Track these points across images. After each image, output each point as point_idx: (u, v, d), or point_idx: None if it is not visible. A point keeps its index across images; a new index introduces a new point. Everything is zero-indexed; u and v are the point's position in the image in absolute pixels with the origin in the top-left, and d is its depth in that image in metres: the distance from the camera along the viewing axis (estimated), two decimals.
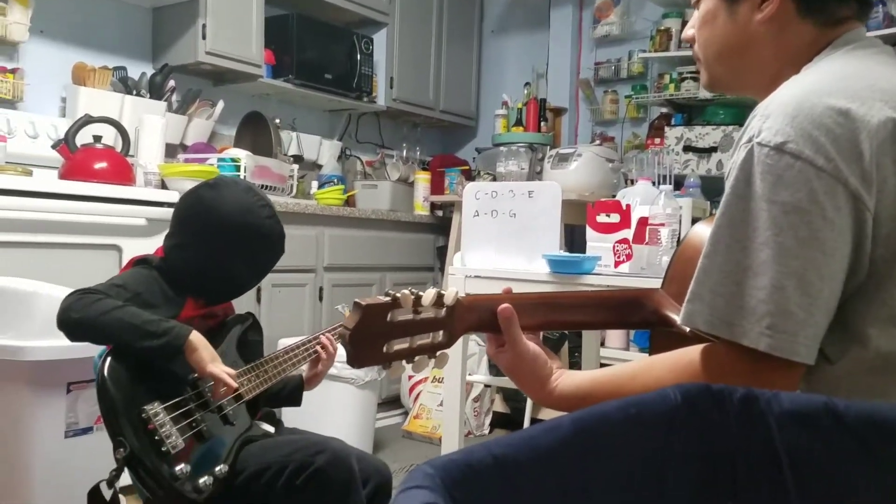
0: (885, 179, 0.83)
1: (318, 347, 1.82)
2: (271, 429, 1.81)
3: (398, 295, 0.84)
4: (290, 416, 2.32)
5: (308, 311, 3.45)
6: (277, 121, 3.79)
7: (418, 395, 3.68)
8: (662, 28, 3.84)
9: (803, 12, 0.97)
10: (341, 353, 1.03)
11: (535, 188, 2.08)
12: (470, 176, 4.21)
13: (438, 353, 0.90)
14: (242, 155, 3.28)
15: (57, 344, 1.90)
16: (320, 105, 4.19)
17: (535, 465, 0.57)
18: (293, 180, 3.62)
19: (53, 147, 2.89)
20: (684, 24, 3.71)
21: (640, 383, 0.90)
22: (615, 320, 1.15)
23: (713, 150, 3.56)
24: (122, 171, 2.83)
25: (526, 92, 4.13)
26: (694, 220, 1.80)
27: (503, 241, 2.09)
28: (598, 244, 2.00)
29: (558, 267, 1.93)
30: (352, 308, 0.84)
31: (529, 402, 3.28)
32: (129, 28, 3.42)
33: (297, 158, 3.92)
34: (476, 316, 0.94)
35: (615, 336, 3.57)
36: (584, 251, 2.04)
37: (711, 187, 3.49)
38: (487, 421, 3.70)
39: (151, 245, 2.00)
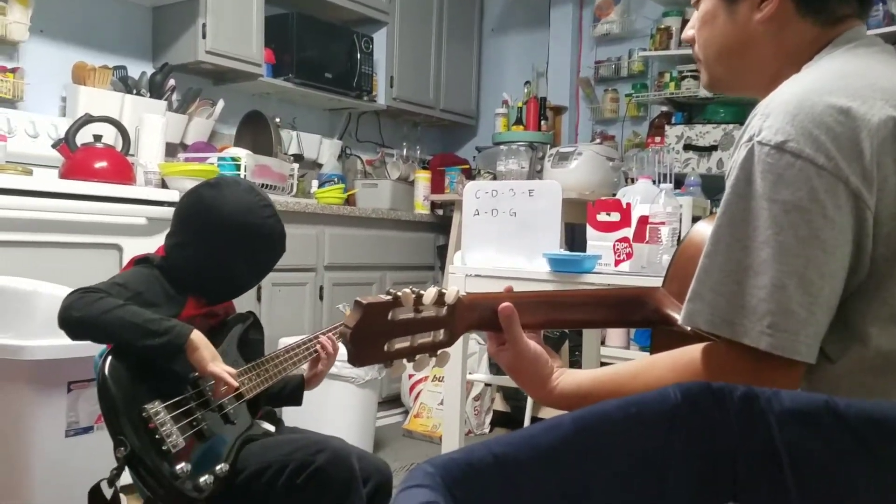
0: (886, 178, 0.83)
1: (318, 347, 1.82)
2: (272, 428, 1.81)
3: (399, 294, 0.83)
4: (291, 415, 2.32)
5: (308, 311, 3.45)
6: (278, 120, 3.78)
7: (419, 393, 3.68)
8: (663, 26, 3.84)
9: (803, 11, 0.96)
10: (342, 351, 1.03)
11: (535, 187, 2.08)
12: (470, 175, 4.20)
13: (439, 351, 0.90)
14: (243, 154, 3.27)
15: (57, 343, 1.90)
16: (320, 104, 4.19)
17: (536, 464, 0.57)
18: (293, 179, 3.62)
19: (54, 146, 2.89)
20: (684, 22, 3.71)
21: (641, 382, 0.90)
22: (616, 319, 1.15)
23: (713, 148, 3.56)
24: (122, 170, 2.83)
25: (526, 91, 4.13)
26: (694, 219, 1.80)
27: (503, 239, 2.08)
28: (598, 243, 2.00)
29: (559, 266, 1.93)
30: (352, 307, 0.84)
31: (530, 401, 3.28)
32: (130, 27, 3.42)
33: (298, 157, 3.92)
34: (477, 314, 0.94)
35: (616, 335, 3.57)
36: (584, 250, 2.03)
37: (712, 186, 3.49)
38: (488, 420, 3.70)
39: (152, 244, 2.00)
